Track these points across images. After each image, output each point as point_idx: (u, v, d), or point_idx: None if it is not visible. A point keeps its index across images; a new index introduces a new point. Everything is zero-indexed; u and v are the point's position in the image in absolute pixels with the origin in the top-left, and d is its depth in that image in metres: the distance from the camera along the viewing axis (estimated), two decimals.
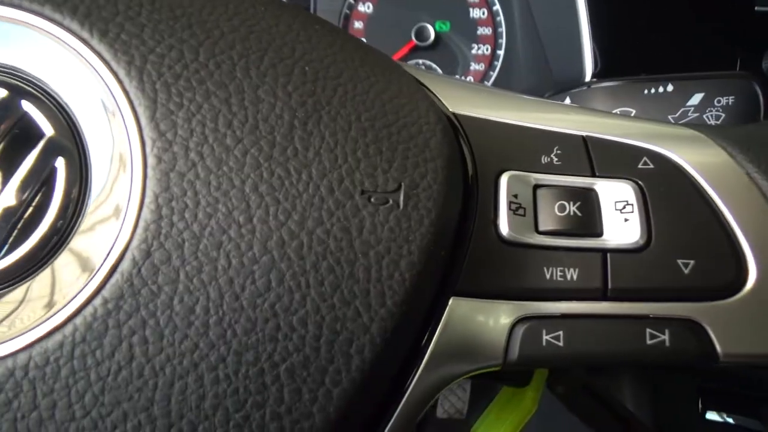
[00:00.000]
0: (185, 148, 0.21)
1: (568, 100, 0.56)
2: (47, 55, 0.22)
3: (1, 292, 0.21)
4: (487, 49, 0.86)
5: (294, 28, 0.24)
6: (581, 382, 0.35)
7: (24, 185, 0.21)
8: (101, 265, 0.20)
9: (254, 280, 0.20)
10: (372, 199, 0.22)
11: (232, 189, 0.21)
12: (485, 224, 0.24)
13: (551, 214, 0.25)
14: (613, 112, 0.52)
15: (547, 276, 0.24)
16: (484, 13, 0.86)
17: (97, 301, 0.20)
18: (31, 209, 0.21)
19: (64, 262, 0.21)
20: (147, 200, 0.20)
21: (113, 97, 0.21)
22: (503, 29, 0.86)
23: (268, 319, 0.20)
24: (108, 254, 0.20)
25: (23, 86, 0.22)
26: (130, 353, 0.20)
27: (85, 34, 0.21)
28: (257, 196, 0.21)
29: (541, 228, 0.24)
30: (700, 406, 0.49)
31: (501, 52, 0.85)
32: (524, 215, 0.24)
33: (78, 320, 0.20)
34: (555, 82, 0.79)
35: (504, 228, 0.24)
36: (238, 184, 0.21)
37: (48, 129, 0.21)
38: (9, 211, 0.21)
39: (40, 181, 0.21)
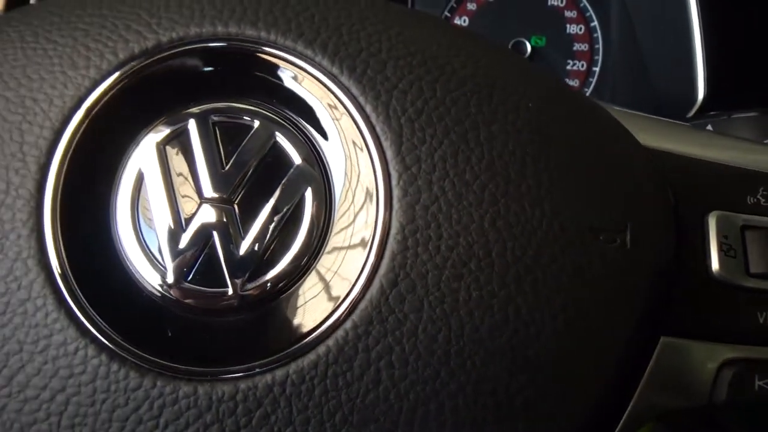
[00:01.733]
0: (429, 182, 0.22)
1: (709, 128, 0.55)
2: (297, 88, 0.23)
3: (257, 310, 0.22)
4: (582, 66, 0.85)
5: (508, 64, 0.25)
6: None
7: (274, 211, 0.22)
8: (350, 291, 0.21)
9: (493, 313, 0.21)
10: (601, 238, 0.22)
11: (472, 223, 0.22)
12: (697, 264, 0.24)
13: (763, 256, 0.24)
14: (765, 142, 0.50)
15: (761, 320, 0.24)
16: (581, 29, 0.85)
17: (348, 324, 0.21)
18: (279, 235, 0.22)
19: (310, 284, 0.22)
20: (393, 231, 0.21)
21: (360, 130, 0.22)
22: (600, 46, 0.84)
23: (505, 352, 0.21)
24: (356, 281, 0.21)
25: (275, 117, 0.23)
26: (378, 377, 0.21)
27: (335, 70, 0.22)
28: (495, 231, 0.22)
29: (753, 270, 0.24)
30: None
31: (597, 69, 0.83)
32: (734, 257, 0.24)
33: (330, 342, 0.21)
34: (656, 103, 0.77)
35: (715, 269, 0.24)
36: (477, 218, 0.22)
37: (297, 158, 0.23)
38: (261, 235, 0.22)
39: (291, 208, 0.22)
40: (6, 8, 0.62)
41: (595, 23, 0.84)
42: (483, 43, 0.26)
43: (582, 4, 0.83)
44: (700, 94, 0.70)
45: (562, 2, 0.84)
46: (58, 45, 0.24)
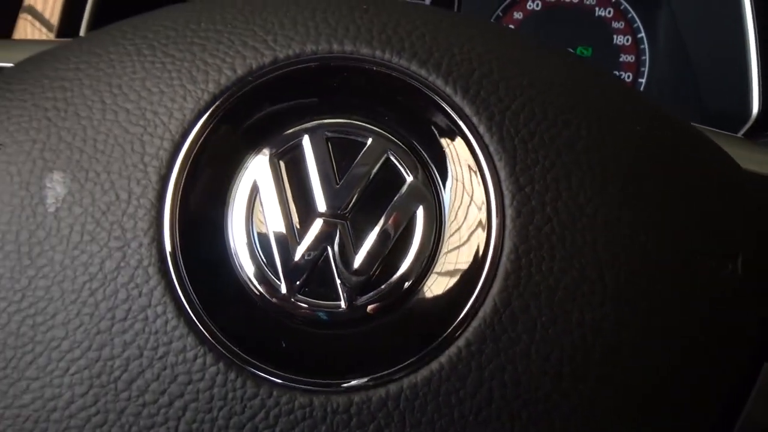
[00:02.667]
0: (542, 203, 0.22)
1: None
2: (409, 107, 0.24)
3: (369, 324, 0.22)
4: (629, 77, 0.84)
5: (614, 87, 0.25)
6: None
7: (387, 228, 0.23)
8: (462, 309, 0.22)
9: (606, 336, 0.21)
10: (713, 264, 0.22)
11: (585, 246, 0.22)
12: None
13: None
14: None
15: None
16: (628, 40, 0.85)
17: (461, 342, 0.21)
18: (391, 251, 0.23)
19: (422, 301, 0.22)
20: (506, 251, 0.22)
21: (473, 151, 0.22)
22: (647, 57, 0.84)
23: (616, 376, 0.21)
24: (469, 299, 0.22)
25: (387, 135, 0.24)
26: (490, 396, 0.21)
27: (449, 90, 0.23)
28: (608, 254, 0.22)
29: None
30: None
31: (643, 81, 0.83)
32: None
33: (443, 359, 0.21)
34: (706, 115, 0.76)
35: None
36: (590, 241, 0.22)
37: (409, 176, 0.23)
38: (374, 251, 0.23)
39: (403, 226, 0.23)
40: (61, 21, 0.64)
41: (642, 34, 0.83)
42: (587, 65, 0.26)
43: (630, 15, 0.83)
44: (755, 109, 0.69)
45: (609, 13, 0.83)
46: (176, 59, 0.24)
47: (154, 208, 0.23)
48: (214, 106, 0.23)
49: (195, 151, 0.23)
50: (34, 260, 0.23)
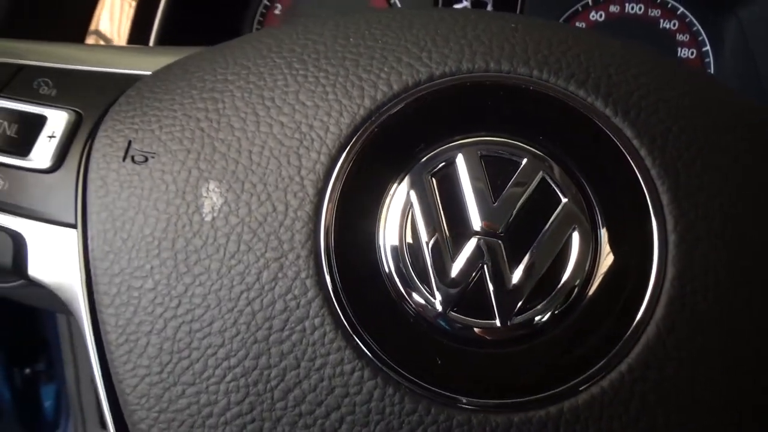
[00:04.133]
0: (707, 230, 0.22)
1: None
2: (566, 127, 0.24)
3: (523, 344, 0.22)
4: None
5: (761, 112, 0.25)
6: None
7: (542, 249, 0.23)
8: (624, 333, 0.21)
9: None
10: None
11: (754, 277, 0.21)
12: None
13: None
14: None
15: None
16: (692, 54, 0.83)
17: (623, 367, 0.21)
18: (546, 272, 0.22)
19: (579, 323, 0.22)
20: (669, 276, 0.21)
21: (634, 173, 0.22)
22: (711, 71, 0.82)
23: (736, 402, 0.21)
24: (631, 323, 0.21)
25: (542, 155, 0.23)
26: (653, 423, 0.21)
27: (608, 112, 0.23)
28: None
29: None
30: None
31: None
32: None
33: (605, 383, 0.21)
34: None
35: None
36: (758, 269, 0.21)
37: (564, 197, 0.23)
38: (529, 271, 0.23)
39: (559, 247, 0.23)
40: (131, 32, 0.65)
41: (708, 48, 0.82)
42: (729, 89, 0.25)
43: (695, 28, 0.81)
44: None
45: (674, 25, 0.82)
46: (329, 74, 0.25)
47: (312, 221, 0.23)
48: (369, 122, 0.24)
49: (350, 166, 0.24)
50: (191, 268, 0.23)
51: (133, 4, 0.66)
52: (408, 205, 0.23)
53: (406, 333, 0.23)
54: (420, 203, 0.23)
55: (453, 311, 0.22)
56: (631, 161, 0.22)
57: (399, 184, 0.24)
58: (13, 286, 0.33)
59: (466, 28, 0.25)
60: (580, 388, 0.21)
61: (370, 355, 0.22)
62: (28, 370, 0.91)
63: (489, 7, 0.77)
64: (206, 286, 0.23)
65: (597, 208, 0.23)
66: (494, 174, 0.23)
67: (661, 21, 0.83)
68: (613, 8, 0.82)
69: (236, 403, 0.22)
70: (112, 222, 0.25)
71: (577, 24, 0.83)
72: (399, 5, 0.77)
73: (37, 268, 0.28)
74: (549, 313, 0.22)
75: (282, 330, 0.22)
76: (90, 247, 0.25)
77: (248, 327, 0.23)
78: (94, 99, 0.29)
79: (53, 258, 0.28)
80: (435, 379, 0.22)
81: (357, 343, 0.22)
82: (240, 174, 0.24)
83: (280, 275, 0.23)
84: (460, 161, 0.23)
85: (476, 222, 0.23)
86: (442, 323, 0.22)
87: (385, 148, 0.24)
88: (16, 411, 0.90)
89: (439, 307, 0.23)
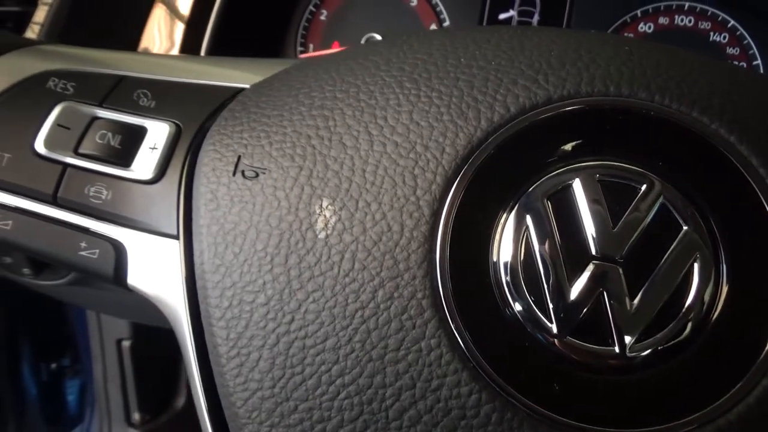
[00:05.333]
0: None
1: None
2: (687, 153, 0.23)
3: (645, 372, 0.22)
4: None
5: None
6: None
7: (664, 276, 0.22)
8: (755, 364, 0.21)
9: None
10: None
11: None
12: None
13: None
14: None
15: None
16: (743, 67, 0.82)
17: (750, 399, 0.21)
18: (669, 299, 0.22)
19: (705, 350, 0.22)
20: None
21: (760, 204, 0.22)
22: None
23: None
24: (762, 353, 0.21)
25: (662, 180, 0.23)
26: None
27: (733, 139, 0.23)
28: None
29: None
30: None
31: None
32: None
33: (731, 416, 0.21)
34: None
35: None
36: None
37: (684, 224, 0.23)
38: (651, 298, 0.22)
39: (681, 275, 0.22)
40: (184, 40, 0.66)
41: (759, 62, 0.80)
42: None
43: (746, 42, 0.80)
44: None
45: (724, 38, 0.81)
46: (443, 94, 0.25)
47: (427, 242, 0.23)
48: (486, 143, 0.24)
49: (466, 187, 0.24)
50: (304, 285, 0.24)
51: (185, 16, 0.67)
52: (524, 228, 0.23)
53: (523, 357, 0.23)
54: (536, 226, 0.23)
55: (570, 336, 0.22)
56: (757, 190, 0.22)
57: (514, 206, 0.24)
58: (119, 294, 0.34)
59: (580, 50, 0.25)
60: (704, 422, 0.21)
61: (487, 378, 0.22)
62: (54, 365, 0.93)
63: (536, 17, 0.77)
64: (320, 303, 0.23)
65: (719, 237, 0.23)
66: (612, 199, 0.23)
67: (711, 34, 0.82)
68: (662, 20, 0.82)
69: (350, 420, 0.23)
70: (223, 236, 0.25)
71: (626, 35, 0.83)
72: (444, 12, 0.77)
73: (136, 278, 0.28)
74: (671, 342, 0.22)
75: (398, 350, 0.22)
76: (199, 260, 0.25)
77: (363, 345, 0.23)
78: (192, 111, 0.30)
79: (153, 268, 0.28)
80: (554, 405, 0.22)
81: (474, 366, 0.22)
82: (354, 192, 0.24)
83: (396, 295, 0.23)
84: (578, 185, 0.23)
85: (594, 247, 0.23)
86: (559, 348, 0.22)
87: (501, 170, 0.24)
88: (41, 405, 0.92)
89: (556, 332, 0.22)
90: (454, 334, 0.22)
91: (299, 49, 0.80)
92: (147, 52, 0.36)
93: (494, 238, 0.23)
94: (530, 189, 0.23)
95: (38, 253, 0.29)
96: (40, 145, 0.29)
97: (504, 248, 0.23)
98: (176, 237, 0.28)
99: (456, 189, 0.23)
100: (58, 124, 0.29)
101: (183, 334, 0.27)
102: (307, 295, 0.23)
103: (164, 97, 0.30)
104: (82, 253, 0.28)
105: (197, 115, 0.29)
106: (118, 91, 0.30)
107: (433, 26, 0.77)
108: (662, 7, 0.82)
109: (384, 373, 0.22)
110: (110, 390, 0.85)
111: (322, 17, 0.80)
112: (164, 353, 0.79)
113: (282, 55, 0.82)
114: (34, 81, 0.30)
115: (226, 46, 0.72)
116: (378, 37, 0.77)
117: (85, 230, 0.29)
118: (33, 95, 0.29)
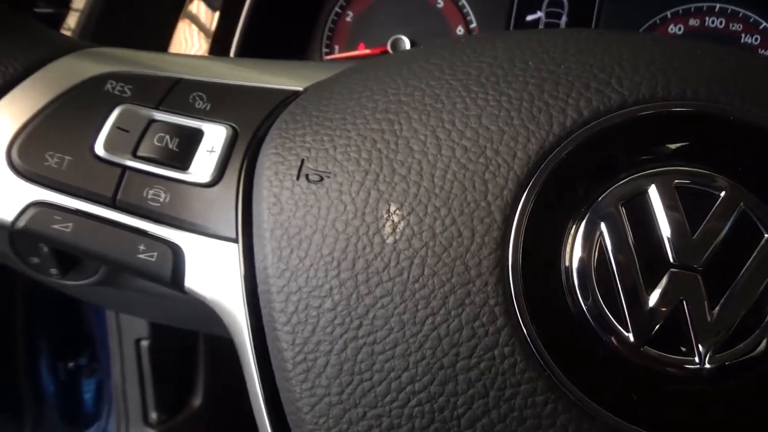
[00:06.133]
0: None
1: None
2: (766, 159, 0.23)
3: (725, 382, 0.22)
4: None
5: None
6: None
7: (746, 284, 0.22)
8: None
9: None
10: None
11: None
12: None
13: None
14: None
15: None
16: None
17: None
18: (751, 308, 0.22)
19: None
20: None
21: None
22: None
23: None
24: None
25: (741, 186, 0.23)
26: None
27: None
28: None
29: None
30: None
31: None
32: None
33: None
34: None
35: None
36: None
37: (766, 231, 0.22)
38: (733, 307, 0.22)
39: (763, 282, 0.22)
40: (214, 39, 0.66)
41: None
42: None
43: None
44: None
45: (756, 40, 0.80)
46: (512, 98, 0.24)
47: (499, 248, 0.23)
48: (558, 148, 0.23)
49: (538, 193, 0.23)
50: (372, 290, 0.23)
51: (214, 19, 0.67)
52: (598, 235, 0.23)
53: (599, 366, 0.22)
54: (611, 233, 0.23)
55: (648, 345, 0.22)
56: None
57: (587, 212, 0.23)
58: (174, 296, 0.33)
59: (653, 54, 0.24)
60: None
61: (562, 387, 0.22)
62: (71, 364, 0.93)
63: (564, 18, 0.77)
64: (389, 308, 0.23)
65: None
66: (689, 205, 0.23)
67: (743, 35, 0.80)
68: (692, 21, 0.81)
69: (421, 429, 0.22)
70: (288, 240, 0.25)
71: None
72: (471, 14, 0.77)
73: (194, 281, 0.28)
74: (750, 354, 0.21)
75: (470, 357, 0.22)
76: (261, 265, 0.25)
77: (434, 352, 0.22)
78: (247, 114, 0.29)
79: (211, 271, 0.28)
80: (633, 416, 0.21)
81: (549, 375, 0.22)
82: (422, 197, 0.24)
83: (467, 301, 0.22)
84: (653, 191, 0.23)
85: (672, 255, 0.22)
86: (635, 357, 0.22)
87: (574, 175, 0.23)
88: (58, 403, 0.93)
89: (633, 341, 0.22)
90: (527, 341, 0.22)
91: (324, 50, 0.80)
92: (199, 55, 0.36)
93: (567, 245, 0.23)
94: (604, 195, 0.23)
95: (97, 256, 0.29)
96: (99, 148, 0.29)
97: (577, 255, 0.23)
98: (235, 240, 0.27)
99: (528, 194, 0.23)
100: (117, 127, 0.29)
101: (242, 338, 0.27)
102: (376, 301, 0.23)
103: (220, 100, 0.30)
104: (141, 255, 0.28)
105: (252, 118, 0.29)
106: (174, 93, 0.30)
107: (460, 27, 0.76)
108: (692, 9, 0.81)
109: (456, 381, 0.22)
110: (128, 389, 0.85)
111: (348, 18, 0.80)
112: (182, 353, 0.79)
113: (307, 57, 0.81)
114: (92, 83, 0.30)
115: (253, 48, 0.72)
116: (404, 39, 0.76)
117: (144, 233, 0.28)
118: (92, 98, 0.29)
